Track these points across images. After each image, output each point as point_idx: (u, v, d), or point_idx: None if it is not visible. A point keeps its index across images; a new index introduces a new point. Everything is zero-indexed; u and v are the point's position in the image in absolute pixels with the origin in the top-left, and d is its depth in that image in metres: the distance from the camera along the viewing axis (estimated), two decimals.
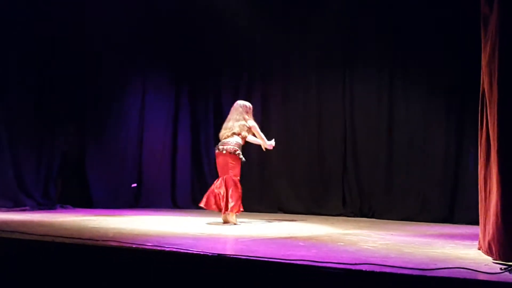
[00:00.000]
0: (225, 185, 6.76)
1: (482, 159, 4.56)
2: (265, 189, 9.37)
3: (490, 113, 4.29)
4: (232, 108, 7.07)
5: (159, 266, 4.23)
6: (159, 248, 4.38)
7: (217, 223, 6.86)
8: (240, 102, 7.10)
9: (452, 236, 6.13)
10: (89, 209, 8.58)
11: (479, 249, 4.68)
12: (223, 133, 6.95)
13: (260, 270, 3.91)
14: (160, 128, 9.88)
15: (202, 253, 4.19)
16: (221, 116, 9.85)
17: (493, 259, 4.19)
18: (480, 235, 4.63)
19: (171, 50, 9.83)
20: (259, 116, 9.45)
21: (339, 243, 5.32)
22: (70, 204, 8.75)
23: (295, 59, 9.34)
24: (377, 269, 3.68)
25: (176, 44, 9.85)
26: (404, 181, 8.37)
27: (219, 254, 4.14)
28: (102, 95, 9.20)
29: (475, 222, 7.21)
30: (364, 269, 3.67)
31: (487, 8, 4.45)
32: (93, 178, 9.06)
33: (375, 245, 5.21)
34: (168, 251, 4.31)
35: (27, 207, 8.15)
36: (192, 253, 4.21)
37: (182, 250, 4.30)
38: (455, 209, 7.99)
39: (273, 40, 9.44)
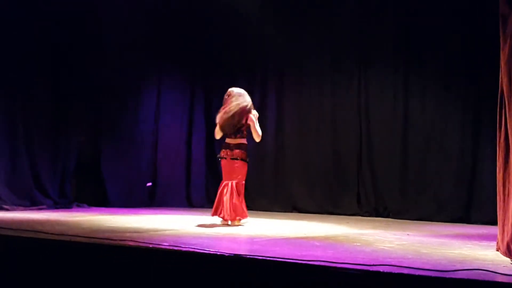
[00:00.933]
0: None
1: (500, 159, 4.53)
2: (279, 189, 9.36)
3: (509, 113, 4.26)
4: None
5: (176, 266, 4.25)
6: (176, 248, 4.40)
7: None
8: None
9: (469, 237, 6.08)
10: (104, 208, 8.62)
11: (497, 250, 4.65)
12: None
13: (277, 271, 3.90)
14: (175, 127, 9.90)
15: (219, 253, 4.20)
16: None
17: None
18: (499, 236, 4.60)
19: (186, 49, 9.83)
20: (274, 116, 9.48)
21: (355, 244, 5.30)
22: (86, 203, 8.80)
23: (309, 58, 9.30)
24: (395, 270, 3.67)
25: (191, 43, 9.85)
26: (419, 180, 8.31)
27: (235, 254, 4.15)
28: (117, 94, 9.22)
29: (492, 222, 7.22)
30: (381, 270, 3.66)
31: (506, 8, 4.42)
32: (109, 177, 9.10)
33: (391, 245, 5.18)
34: (185, 251, 4.32)
35: (44, 206, 8.21)
36: (209, 253, 4.22)
37: (199, 250, 4.31)
38: (471, 209, 7.92)
39: (287, 40, 9.41)
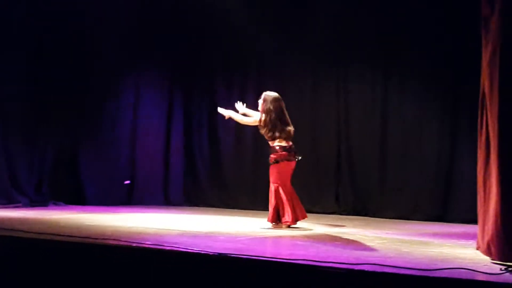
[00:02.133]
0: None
1: (481, 160, 4.58)
2: (259, 187, 9.34)
3: (490, 115, 4.31)
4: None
5: (159, 265, 4.23)
6: (159, 247, 4.38)
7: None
8: None
9: (447, 235, 6.16)
10: (82, 206, 8.55)
11: (477, 249, 4.71)
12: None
13: (262, 270, 3.91)
14: (153, 125, 9.84)
15: (203, 252, 4.20)
16: (215, 114, 9.86)
17: (492, 259, 4.22)
18: (479, 235, 4.66)
19: (165, 48, 9.78)
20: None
21: (336, 242, 5.34)
22: (62, 201, 8.71)
23: (289, 57, 9.30)
24: (378, 269, 3.71)
25: (170, 42, 9.80)
26: (398, 180, 8.38)
27: (220, 253, 4.15)
28: (96, 92, 9.13)
29: (468, 221, 7.35)
30: (366, 269, 3.69)
31: (488, 10, 4.46)
32: (86, 174, 9.02)
33: (372, 244, 5.23)
34: (168, 250, 4.30)
35: (20, 204, 8.10)
36: (193, 252, 4.22)
37: (182, 249, 4.30)
38: (448, 208, 8.02)
39: (266, 39, 9.39)
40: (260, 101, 6.75)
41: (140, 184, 9.62)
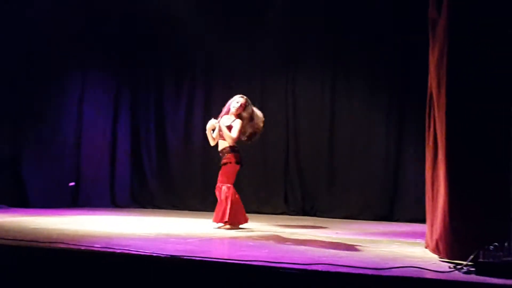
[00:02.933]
0: None
1: (429, 160, 4.68)
2: (207, 188, 9.29)
3: (438, 116, 4.41)
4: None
5: (110, 268, 4.14)
6: (109, 250, 4.28)
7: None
8: None
9: (395, 235, 6.27)
10: (25, 209, 8.27)
11: (426, 247, 4.81)
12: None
13: (214, 271, 3.88)
14: (99, 125, 9.66)
15: (154, 254, 4.13)
16: (162, 114, 9.78)
17: (440, 257, 4.32)
18: (427, 234, 4.76)
19: (112, 47, 9.63)
20: (201, 116, 9.40)
21: (287, 243, 5.35)
22: (5, 204, 8.43)
23: (238, 58, 9.28)
24: (332, 269, 3.73)
25: (118, 41, 9.66)
26: (345, 180, 8.50)
27: (171, 256, 4.09)
28: (39, 91, 8.88)
29: (414, 220, 7.54)
30: (319, 269, 3.71)
31: (435, 12, 4.57)
32: (29, 176, 8.74)
33: (323, 244, 5.27)
34: (119, 252, 4.21)
35: None
36: (144, 255, 4.14)
37: (133, 252, 4.22)
38: (394, 207, 8.19)
39: (215, 41, 9.37)
40: (237, 104, 6.56)
41: (86, 186, 9.41)
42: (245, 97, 6.66)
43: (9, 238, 4.81)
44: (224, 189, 6.43)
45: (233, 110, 6.58)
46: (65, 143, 9.27)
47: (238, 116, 6.55)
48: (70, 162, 9.33)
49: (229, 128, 6.50)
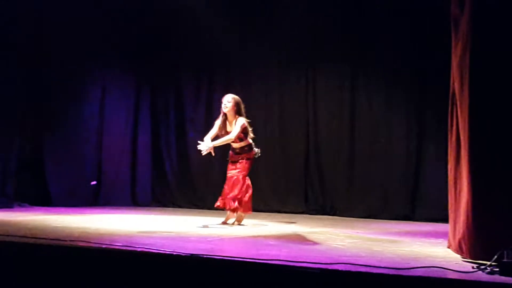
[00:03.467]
0: None
1: (452, 159, 4.63)
2: None
3: (460, 114, 4.35)
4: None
5: (131, 267, 4.15)
6: (129, 248, 4.30)
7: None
8: None
9: (416, 234, 6.21)
10: (47, 208, 8.36)
11: (448, 247, 4.75)
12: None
13: (235, 270, 3.87)
14: (120, 124, 9.72)
15: (174, 253, 4.14)
16: (182, 113, 9.81)
17: (463, 257, 4.27)
18: (450, 234, 4.70)
19: (131, 47, 9.67)
20: (219, 114, 9.39)
21: (307, 242, 5.33)
22: (27, 203, 8.51)
23: (257, 57, 9.26)
24: (352, 268, 3.70)
25: (136, 41, 9.70)
26: (366, 179, 8.43)
27: (192, 254, 4.10)
28: (61, 91, 8.94)
29: (435, 219, 7.45)
30: (340, 269, 3.68)
31: (458, 10, 4.51)
32: (52, 175, 8.82)
33: (343, 243, 5.23)
34: (139, 251, 4.23)
35: None
36: (165, 253, 4.15)
37: (154, 250, 4.23)
38: (415, 206, 8.10)
39: (235, 38, 9.37)
40: (229, 104, 6.67)
41: (107, 184, 9.48)
42: (235, 96, 6.78)
43: (31, 236, 4.85)
44: (241, 178, 6.62)
45: (226, 109, 6.70)
46: (86, 143, 9.35)
47: (241, 114, 6.70)
48: (91, 161, 9.40)
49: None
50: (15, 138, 8.58)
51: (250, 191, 6.67)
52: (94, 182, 9.32)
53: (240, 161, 6.70)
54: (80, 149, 9.23)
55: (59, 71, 8.90)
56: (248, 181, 6.70)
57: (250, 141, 6.79)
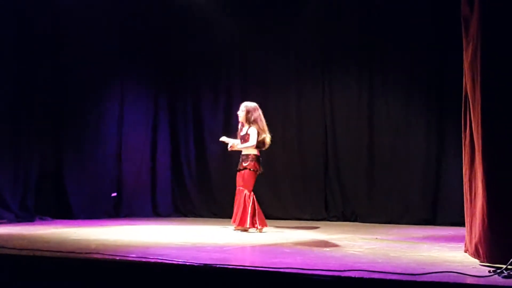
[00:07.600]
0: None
1: (466, 161, 4.56)
2: None
3: (473, 116, 4.29)
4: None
5: (144, 278, 4.16)
6: (143, 260, 4.31)
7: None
8: None
9: (436, 239, 6.13)
10: (68, 220, 8.41)
11: (465, 251, 4.67)
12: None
13: (248, 279, 3.85)
14: (139, 136, 9.76)
15: (188, 263, 4.13)
16: (200, 123, 9.83)
17: (480, 262, 4.19)
18: (467, 238, 4.62)
19: (149, 58, 9.74)
20: (238, 121, 9.41)
21: (324, 249, 5.29)
22: (49, 216, 8.57)
23: (274, 63, 9.28)
24: (366, 275, 3.66)
25: (154, 50, 9.77)
26: (386, 184, 8.36)
27: (205, 264, 4.09)
28: (79, 104, 9.03)
29: (457, 223, 7.31)
30: (353, 276, 3.64)
31: (468, 9, 4.46)
32: (72, 188, 8.88)
33: (361, 250, 5.19)
34: (153, 262, 4.23)
35: (5, 220, 7.97)
36: (178, 264, 4.15)
37: (167, 261, 4.23)
38: (437, 211, 8.01)
39: (252, 44, 9.39)
40: (242, 113, 6.93)
41: (128, 195, 9.51)
42: (249, 103, 7.02)
43: (49, 249, 4.89)
44: (246, 194, 6.78)
45: (240, 118, 7.02)
46: (106, 154, 9.40)
47: (251, 122, 6.89)
48: (111, 173, 9.45)
49: (246, 138, 6.89)
50: (35, 151, 8.67)
51: (257, 207, 6.81)
52: (114, 194, 9.37)
53: (243, 171, 6.91)
54: (99, 161, 9.28)
55: (79, 82, 9.00)
56: (253, 197, 6.84)
57: (257, 153, 6.98)
